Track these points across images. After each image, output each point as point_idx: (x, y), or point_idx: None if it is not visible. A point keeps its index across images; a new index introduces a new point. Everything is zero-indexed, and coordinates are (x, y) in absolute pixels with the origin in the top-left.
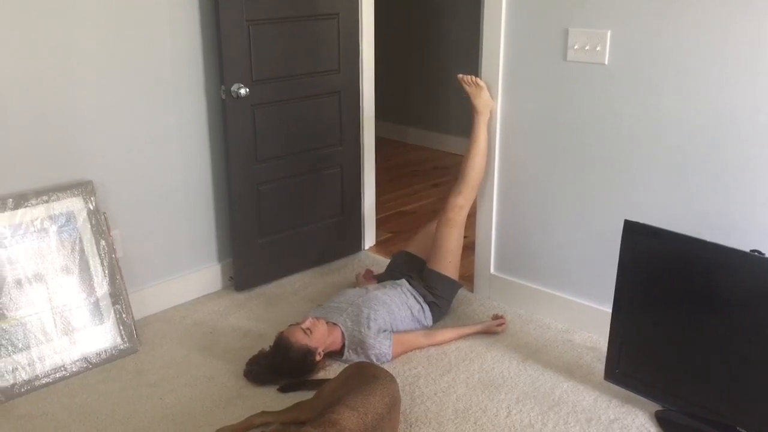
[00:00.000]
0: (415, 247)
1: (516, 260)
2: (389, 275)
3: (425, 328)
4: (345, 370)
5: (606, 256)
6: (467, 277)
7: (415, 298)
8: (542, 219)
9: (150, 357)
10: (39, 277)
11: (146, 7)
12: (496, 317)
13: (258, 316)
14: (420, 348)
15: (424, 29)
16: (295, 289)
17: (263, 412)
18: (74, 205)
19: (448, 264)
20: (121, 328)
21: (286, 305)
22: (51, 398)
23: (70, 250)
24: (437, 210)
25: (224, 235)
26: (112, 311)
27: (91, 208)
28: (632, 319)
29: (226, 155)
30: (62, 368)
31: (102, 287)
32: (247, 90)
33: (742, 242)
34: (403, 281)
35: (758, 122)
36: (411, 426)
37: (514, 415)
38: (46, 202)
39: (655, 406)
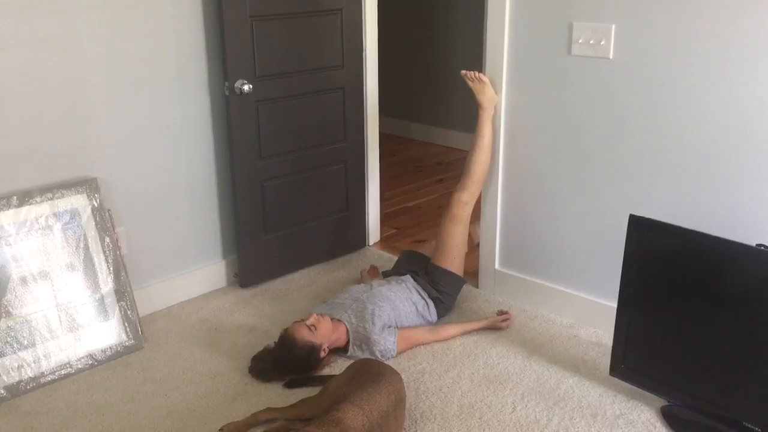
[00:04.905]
0: (425, 249)
1: (521, 255)
2: (395, 272)
3: (430, 323)
4: (350, 366)
5: (611, 251)
6: (472, 273)
7: (419, 293)
8: (547, 214)
9: (155, 354)
10: (44, 275)
11: (149, 4)
12: (501, 313)
13: (262, 313)
14: (425, 344)
15: (428, 24)
16: (299, 285)
17: (268, 409)
18: (79, 202)
19: (453, 260)
20: (126, 325)
21: (290, 302)
22: (56, 395)
23: (74, 248)
24: (442, 206)
25: (229, 231)
26: (117, 308)
27: (96, 205)
28: (638, 314)
29: (230, 152)
30: (67, 365)
31: (107, 284)
32: (251, 86)
33: (748, 236)
34: (408, 277)
35: (764, 116)
36: (416, 422)
37: (520, 411)
38: (51, 199)
39: (661, 402)
